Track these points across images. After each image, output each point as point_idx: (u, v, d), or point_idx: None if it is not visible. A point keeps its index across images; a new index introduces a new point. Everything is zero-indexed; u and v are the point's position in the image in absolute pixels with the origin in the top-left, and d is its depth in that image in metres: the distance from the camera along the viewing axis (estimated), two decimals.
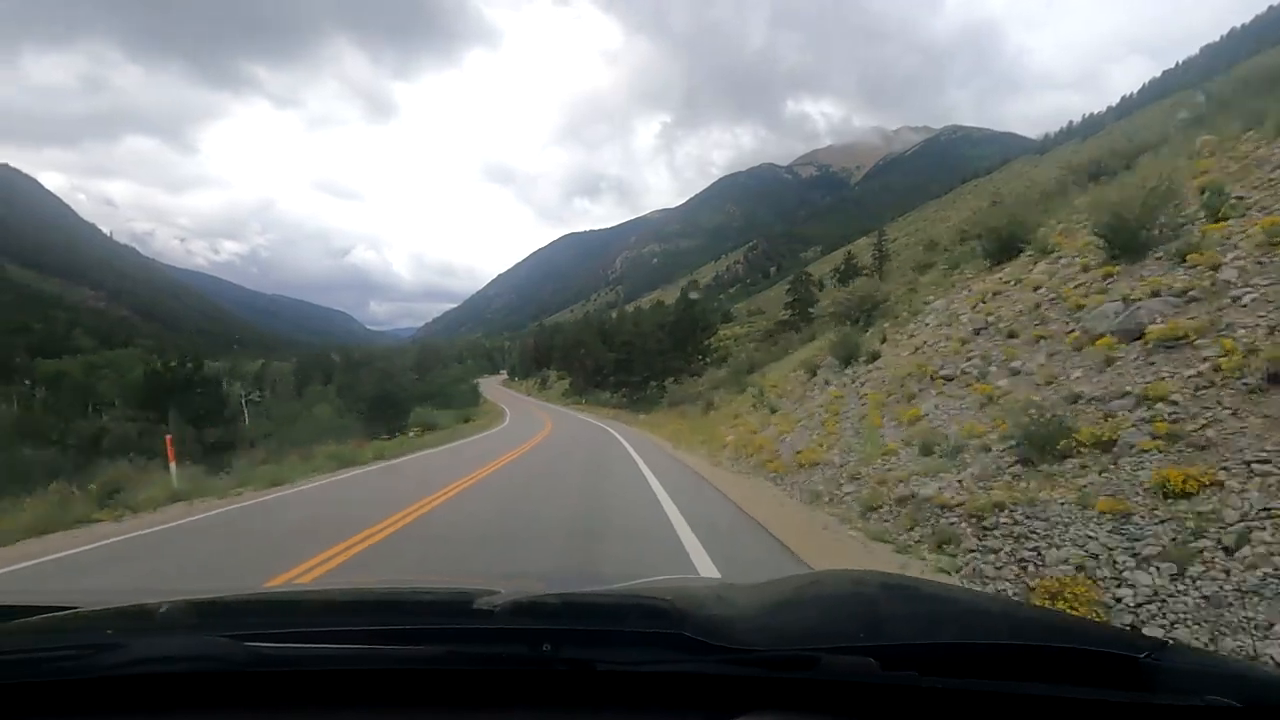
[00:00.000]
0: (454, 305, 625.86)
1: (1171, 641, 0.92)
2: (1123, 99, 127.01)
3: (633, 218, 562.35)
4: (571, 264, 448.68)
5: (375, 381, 37.13)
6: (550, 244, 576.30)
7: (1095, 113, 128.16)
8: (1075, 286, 7.13)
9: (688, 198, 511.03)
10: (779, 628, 1.03)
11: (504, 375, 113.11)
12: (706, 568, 4.29)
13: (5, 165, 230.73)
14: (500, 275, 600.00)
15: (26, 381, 30.66)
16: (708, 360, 41.34)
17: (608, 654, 0.87)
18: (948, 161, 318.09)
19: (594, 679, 0.85)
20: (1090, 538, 3.68)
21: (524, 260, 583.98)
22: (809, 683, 0.82)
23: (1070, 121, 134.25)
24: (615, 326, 63.37)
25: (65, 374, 37.52)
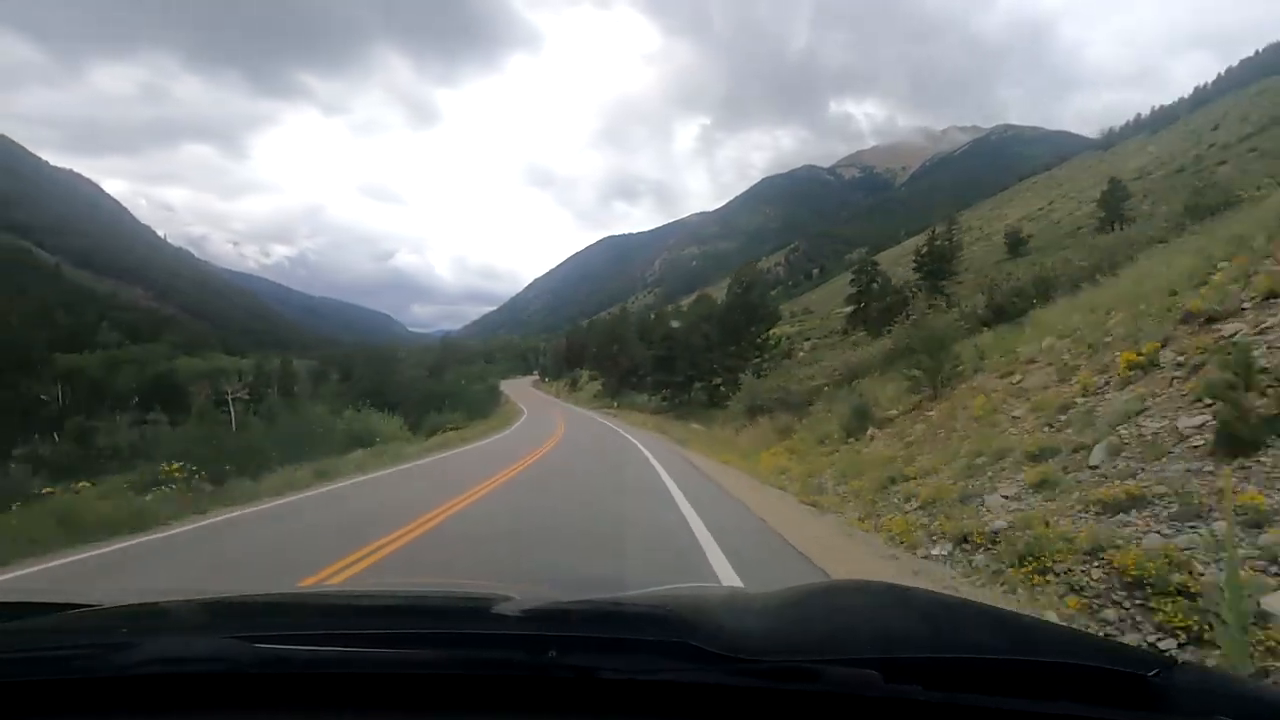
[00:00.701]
0: (493, 308, 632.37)
1: (1181, 660, 0.90)
2: (1196, 89, 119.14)
3: (670, 221, 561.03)
4: (609, 267, 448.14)
5: (371, 380, 34.98)
6: (588, 247, 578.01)
7: (1164, 104, 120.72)
8: None
9: (726, 201, 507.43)
10: (786, 638, 1.03)
11: (536, 376, 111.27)
12: None
13: (70, 171, 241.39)
14: (538, 279, 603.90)
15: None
16: (765, 357, 36.76)
17: (612, 662, 0.88)
18: (999, 161, 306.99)
19: (598, 686, 0.86)
20: None
21: (562, 264, 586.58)
22: (812, 695, 0.82)
23: (1138, 115, 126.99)
24: (654, 322, 59.29)
25: (80, 370, 36.88)
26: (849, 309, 43.41)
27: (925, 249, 40.00)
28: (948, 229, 41.76)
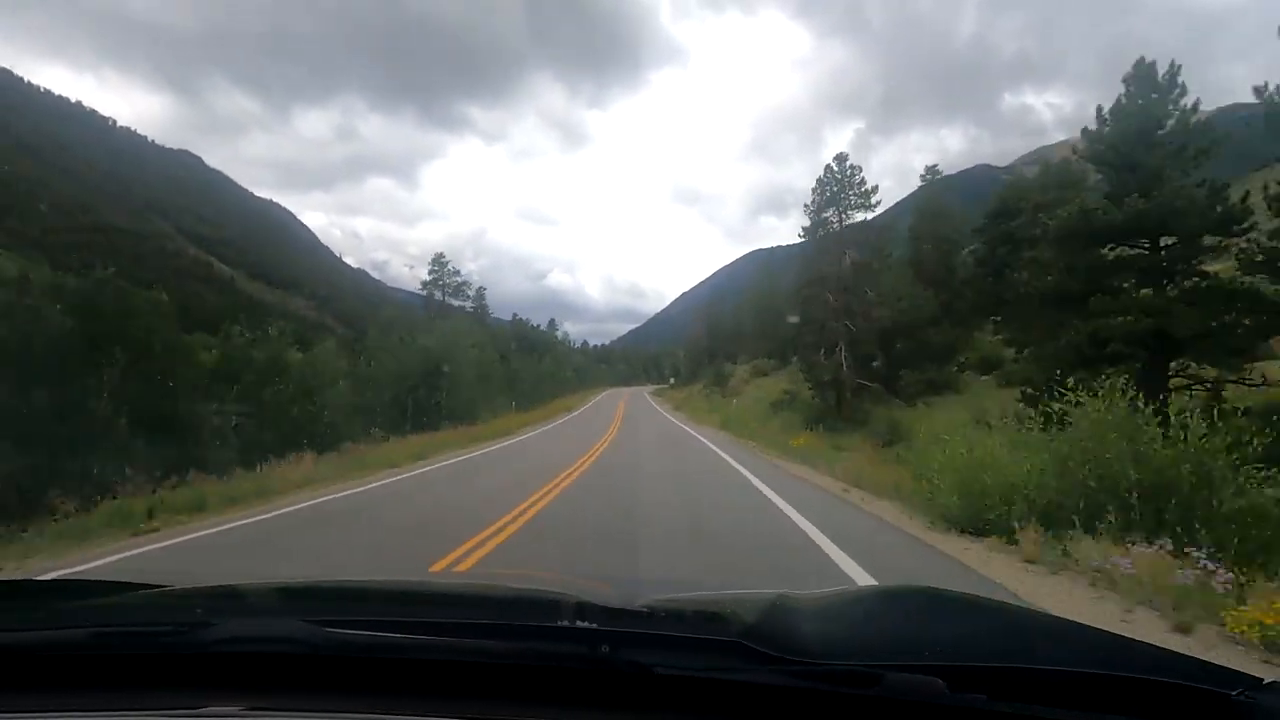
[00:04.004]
0: (637, 325, 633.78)
1: (1269, 680, 0.83)
2: None
3: (822, 232, 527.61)
4: (756, 281, 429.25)
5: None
6: (733, 261, 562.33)
7: None
8: None
9: (885, 207, 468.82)
10: (841, 641, 1.03)
11: (661, 384, 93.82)
12: None
13: (269, 200, 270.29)
14: (684, 294, 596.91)
15: None
16: None
17: (666, 659, 0.87)
18: (1227, 146, 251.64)
19: (652, 683, 0.85)
20: None
21: (707, 279, 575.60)
22: (871, 700, 0.79)
23: None
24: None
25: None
26: None
27: None
28: None
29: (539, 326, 79.03)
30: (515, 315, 72.52)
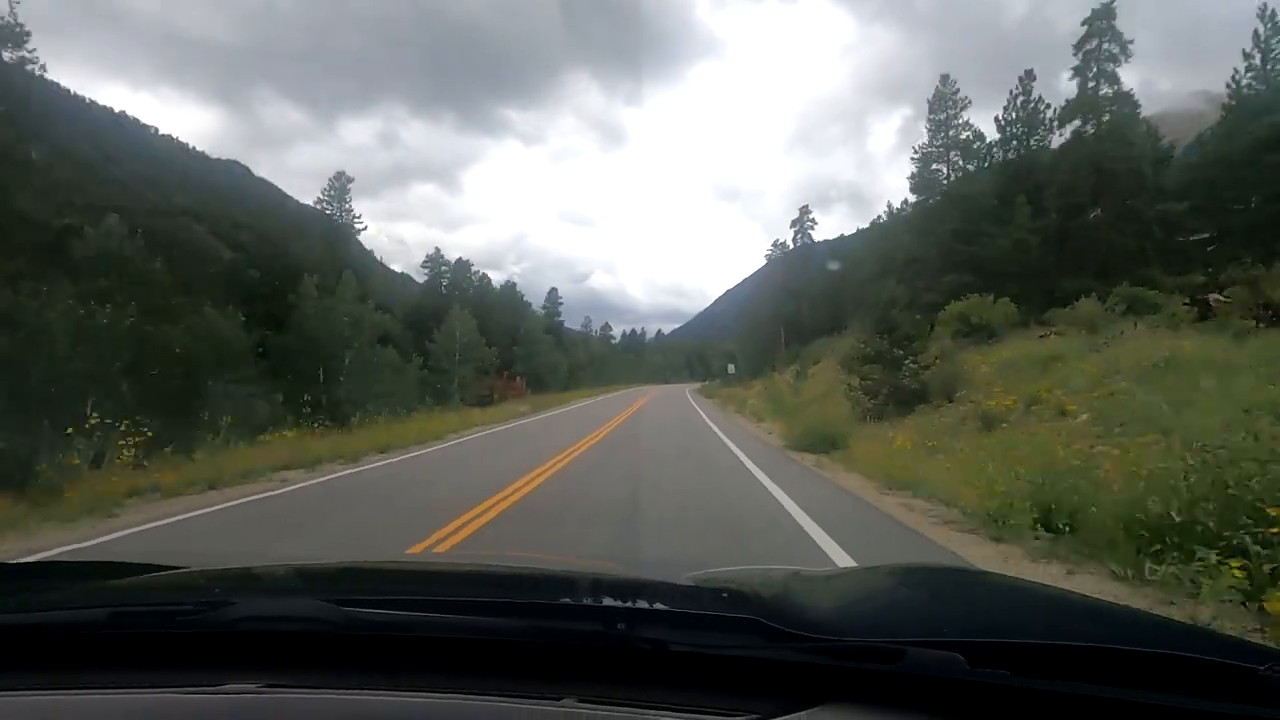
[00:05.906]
0: (679, 324, 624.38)
1: None
2: None
3: (868, 225, 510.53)
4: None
5: None
6: (777, 258, 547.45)
7: None
8: None
9: (936, 196, 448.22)
10: (860, 618, 1.04)
11: (711, 381, 79.36)
12: None
13: (312, 206, 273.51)
14: (727, 291, 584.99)
15: None
16: None
17: (683, 636, 0.88)
18: None
19: (670, 661, 0.86)
20: None
21: (750, 275, 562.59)
22: (891, 676, 0.79)
23: None
24: None
25: None
26: None
27: None
28: None
29: (525, 297, 61.36)
30: (460, 258, 52.94)
